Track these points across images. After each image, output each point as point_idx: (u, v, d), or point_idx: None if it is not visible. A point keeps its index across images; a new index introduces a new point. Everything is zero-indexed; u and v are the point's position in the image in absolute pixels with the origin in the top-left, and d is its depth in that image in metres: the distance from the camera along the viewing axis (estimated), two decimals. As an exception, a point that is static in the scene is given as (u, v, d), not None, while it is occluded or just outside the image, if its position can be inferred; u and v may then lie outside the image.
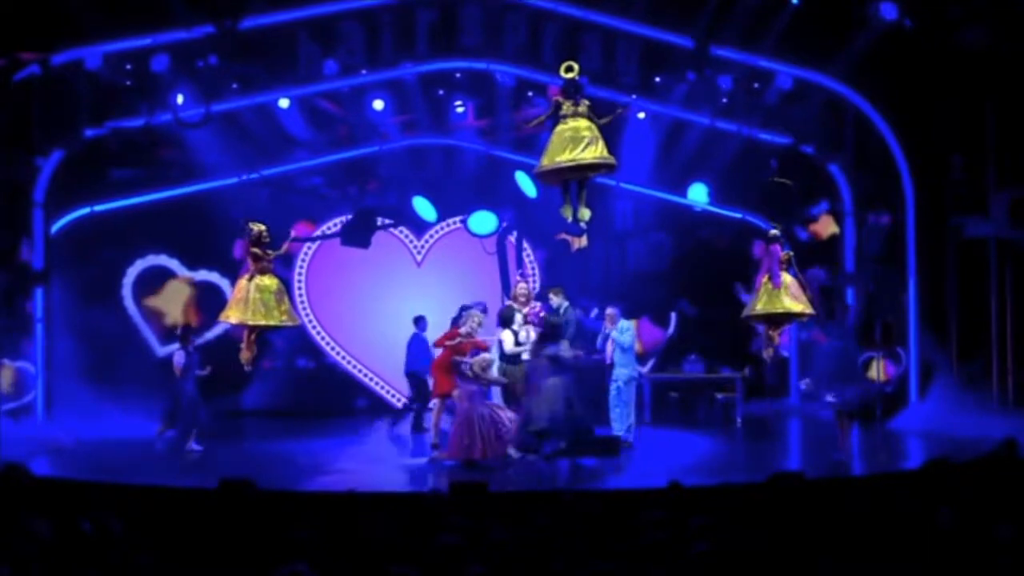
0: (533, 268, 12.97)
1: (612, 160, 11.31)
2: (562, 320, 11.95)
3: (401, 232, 16.23)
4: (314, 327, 15.72)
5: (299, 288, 15.65)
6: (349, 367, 15.87)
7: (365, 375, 15.97)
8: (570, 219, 11.64)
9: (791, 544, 5.79)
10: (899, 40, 14.01)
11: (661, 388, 15.32)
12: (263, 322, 11.53)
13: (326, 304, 15.82)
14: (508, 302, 12.61)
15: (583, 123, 11.16)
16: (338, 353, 15.78)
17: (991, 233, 14.13)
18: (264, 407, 15.16)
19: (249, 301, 11.52)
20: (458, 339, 11.35)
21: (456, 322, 11.86)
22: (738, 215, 15.82)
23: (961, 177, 14.53)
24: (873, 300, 14.93)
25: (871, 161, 14.90)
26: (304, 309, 15.66)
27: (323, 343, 15.83)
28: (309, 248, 15.89)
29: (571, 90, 11.40)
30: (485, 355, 11.23)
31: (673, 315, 16.37)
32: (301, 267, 15.91)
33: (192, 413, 12.39)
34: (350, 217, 15.48)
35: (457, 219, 16.03)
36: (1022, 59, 13.64)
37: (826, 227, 15.66)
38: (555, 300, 12.24)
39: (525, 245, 15.52)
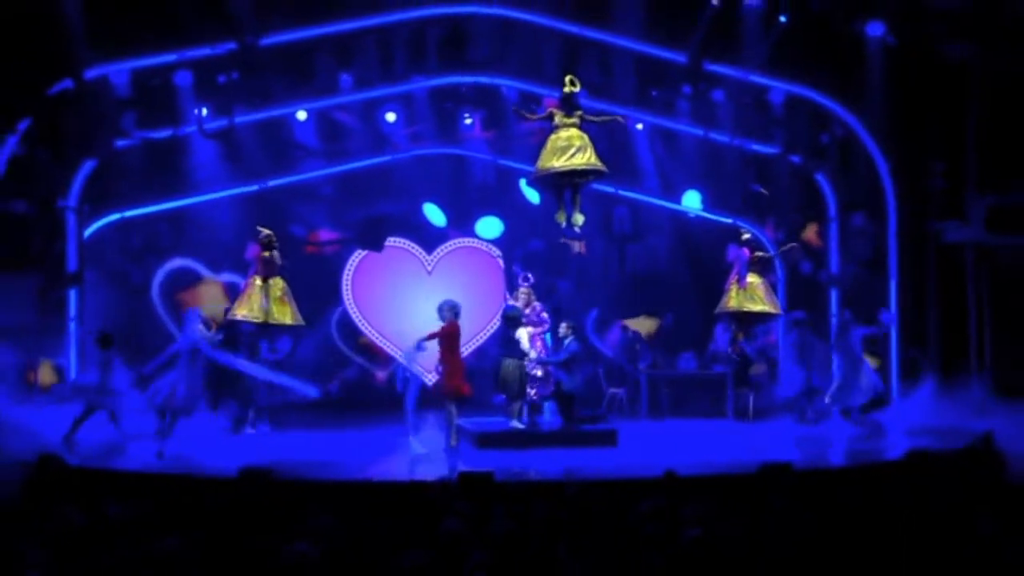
0: (528, 278, 13.16)
1: (602, 166, 11.40)
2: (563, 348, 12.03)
3: (413, 247, 16.29)
4: (358, 317, 15.82)
5: (347, 287, 15.81)
6: (387, 349, 15.99)
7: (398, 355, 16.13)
8: (564, 224, 11.74)
9: (780, 530, 5.77)
10: (883, 55, 14.02)
11: (657, 383, 15.29)
12: (268, 320, 11.73)
13: (367, 300, 15.91)
14: (511, 302, 12.60)
15: (575, 132, 11.34)
16: (378, 338, 15.92)
17: (969, 238, 14.12)
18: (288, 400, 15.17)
19: (256, 300, 11.72)
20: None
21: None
22: (729, 220, 15.81)
23: (941, 185, 14.53)
24: (856, 300, 14.92)
25: (856, 169, 14.89)
26: (351, 304, 15.65)
27: (366, 330, 15.97)
28: (358, 255, 15.99)
29: (568, 102, 11.48)
30: None
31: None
32: (349, 271, 16.04)
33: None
34: (364, 223, 15.59)
35: (467, 240, 16.11)
36: (1000, 72, 13.64)
37: (815, 234, 15.71)
38: (563, 331, 12.26)
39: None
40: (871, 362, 13.38)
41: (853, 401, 12.56)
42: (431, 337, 11.36)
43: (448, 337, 11.39)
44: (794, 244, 14.33)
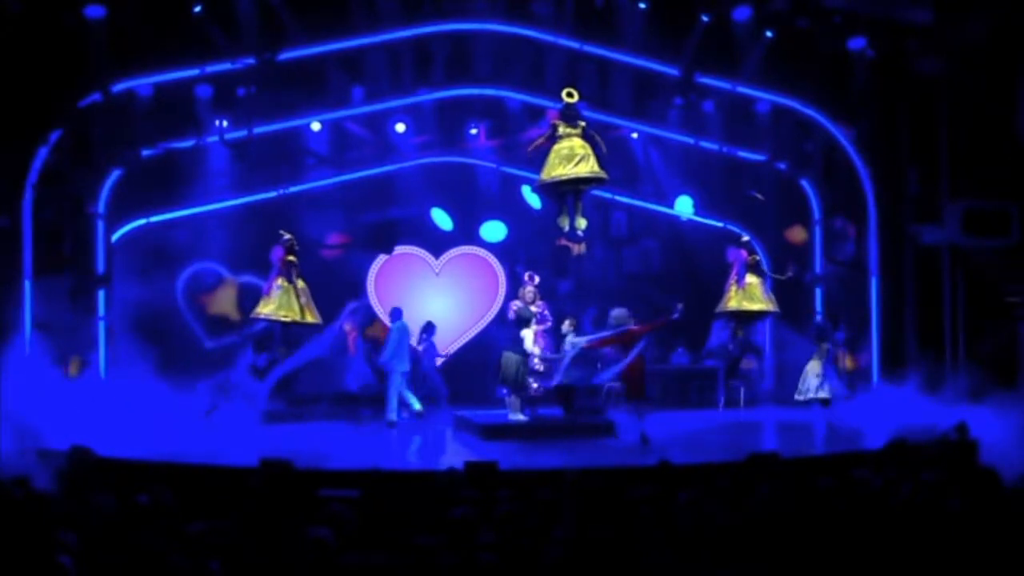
0: (532, 277, 13.25)
1: (603, 174, 11.40)
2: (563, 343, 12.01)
3: (422, 252, 16.32)
4: (382, 313, 15.88)
5: (371, 286, 15.98)
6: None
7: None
8: (566, 228, 11.74)
9: (766, 514, 5.79)
10: (863, 68, 14.05)
11: (652, 377, 15.29)
12: (291, 318, 11.83)
13: (387, 298, 15.98)
14: (517, 302, 12.61)
15: (577, 142, 11.28)
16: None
17: (944, 240, 14.14)
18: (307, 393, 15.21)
19: (284, 299, 11.80)
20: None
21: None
22: (719, 224, 15.84)
23: (918, 190, 14.56)
24: (838, 299, 14.94)
25: (838, 175, 14.91)
26: (375, 302, 15.91)
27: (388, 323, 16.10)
28: (381, 260, 16.04)
29: (569, 113, 11.45)
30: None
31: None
32: (372, 273, 16.06)
33: None
34: (375, 228, 15.66)
35: (470, 248, 16.15)
36: (970, 85, 13.69)
37: (798, 235, 15.74)
38: (566, 328, 12.27)
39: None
40: (846, 365, 13.41)
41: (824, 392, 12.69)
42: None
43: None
44: (790, 274, 14.28)
